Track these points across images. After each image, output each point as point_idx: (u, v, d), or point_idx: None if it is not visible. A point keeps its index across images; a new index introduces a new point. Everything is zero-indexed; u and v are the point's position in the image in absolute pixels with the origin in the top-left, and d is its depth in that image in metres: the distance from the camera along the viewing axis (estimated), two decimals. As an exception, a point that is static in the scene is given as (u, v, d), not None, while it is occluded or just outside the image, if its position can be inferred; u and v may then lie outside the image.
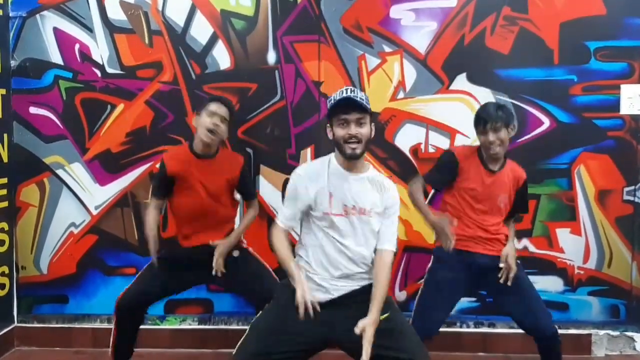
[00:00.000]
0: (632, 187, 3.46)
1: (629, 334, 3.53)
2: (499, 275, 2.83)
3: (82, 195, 3.59)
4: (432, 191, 3.18)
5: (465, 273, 2.86)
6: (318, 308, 2.28)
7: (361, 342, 2.25)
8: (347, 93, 2.38)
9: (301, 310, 2.26)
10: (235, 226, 3.11)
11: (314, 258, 2.44)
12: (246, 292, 3.15)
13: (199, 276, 3.04)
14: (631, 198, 3.47)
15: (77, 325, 3.64)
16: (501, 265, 2.84)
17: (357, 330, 2.26)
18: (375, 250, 2.44)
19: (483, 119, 2.80)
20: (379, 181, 2.46)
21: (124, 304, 2.97)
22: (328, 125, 2.44)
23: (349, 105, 2.36)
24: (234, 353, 2.41)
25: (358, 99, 2.36)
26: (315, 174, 2.44)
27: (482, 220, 2.86)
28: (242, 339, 2.42)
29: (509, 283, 2.81)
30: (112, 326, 3.56)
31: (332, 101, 2.41)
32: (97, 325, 3.63)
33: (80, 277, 3.62)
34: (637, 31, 3.39)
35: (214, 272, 2.91)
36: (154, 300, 3.07)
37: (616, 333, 3.53)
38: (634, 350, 3.54)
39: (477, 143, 2.90)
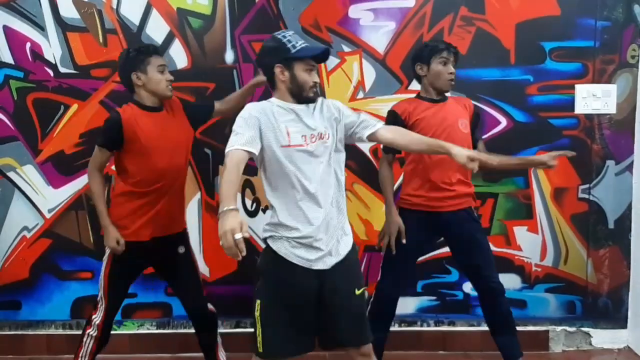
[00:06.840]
0: (587, 185, 3.52)
1: (585, 329, 3.59)
2: None
3: (34, 198, 3.48)
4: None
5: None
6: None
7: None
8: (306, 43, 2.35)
9: None
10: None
11: None
12: (181, 298, 3.00)
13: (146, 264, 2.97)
14: (586, 196, 3.53)
15: (30, 332, 3.54)
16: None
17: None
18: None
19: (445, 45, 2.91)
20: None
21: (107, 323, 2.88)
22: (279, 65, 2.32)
23: (323, 58, 2.43)
24: (261, 350, 2.29)
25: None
26: None
27: None
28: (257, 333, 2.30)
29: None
30: (67, 332, 3.52)
31: (301, 45, 2.32)
32: (51, 331, 3.54)
33: (34, 282, 3.51)
34: (591, 31, 3.45)
35: None
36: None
37: (573, 329, 3.59)
38: (590, 346, 3.60)
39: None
